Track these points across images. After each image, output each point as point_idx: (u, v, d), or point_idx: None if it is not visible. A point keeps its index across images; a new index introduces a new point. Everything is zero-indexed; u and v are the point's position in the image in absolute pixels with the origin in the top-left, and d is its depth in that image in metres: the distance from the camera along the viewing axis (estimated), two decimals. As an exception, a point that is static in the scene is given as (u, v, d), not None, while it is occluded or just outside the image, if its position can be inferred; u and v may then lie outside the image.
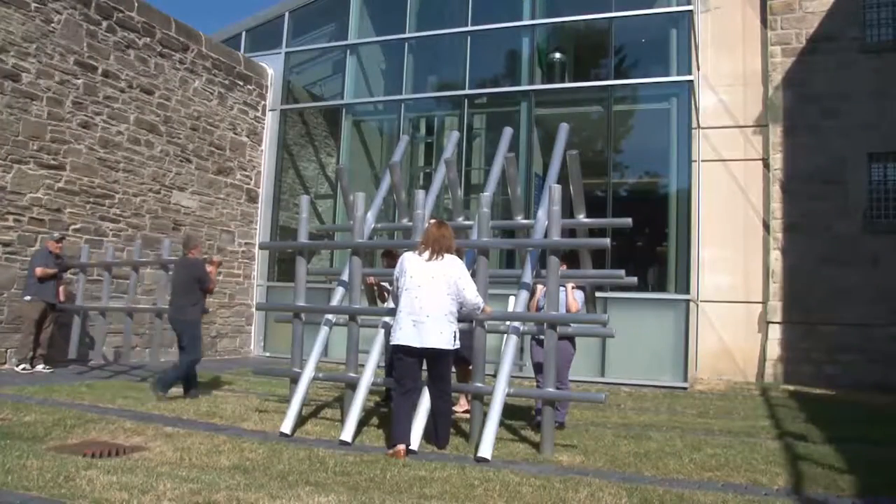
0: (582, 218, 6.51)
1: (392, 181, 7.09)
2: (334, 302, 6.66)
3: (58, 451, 4.80)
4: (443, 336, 5.10)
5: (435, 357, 5.19)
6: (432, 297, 5.12)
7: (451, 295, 5.18)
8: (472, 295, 5.33)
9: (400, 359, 5.26)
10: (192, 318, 7.57)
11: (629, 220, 6.15)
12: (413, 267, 5.24)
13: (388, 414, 6.93)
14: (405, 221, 7.34)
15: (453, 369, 5.75)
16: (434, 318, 5.09)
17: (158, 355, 9.42)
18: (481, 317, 5.59)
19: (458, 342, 5.23)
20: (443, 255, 5.24)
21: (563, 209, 5.79)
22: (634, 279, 6.56)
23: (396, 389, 5.31)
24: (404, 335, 5.13)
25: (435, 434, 5.34)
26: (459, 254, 5.64)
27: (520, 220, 7.10)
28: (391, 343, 5.34)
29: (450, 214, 7.68)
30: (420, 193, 6.30)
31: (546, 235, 5.86)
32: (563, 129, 6.89)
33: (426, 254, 5.25)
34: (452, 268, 5.23)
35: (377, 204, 7.33)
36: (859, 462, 5.10)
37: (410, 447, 5.10)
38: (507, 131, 7.26)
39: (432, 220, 5.60)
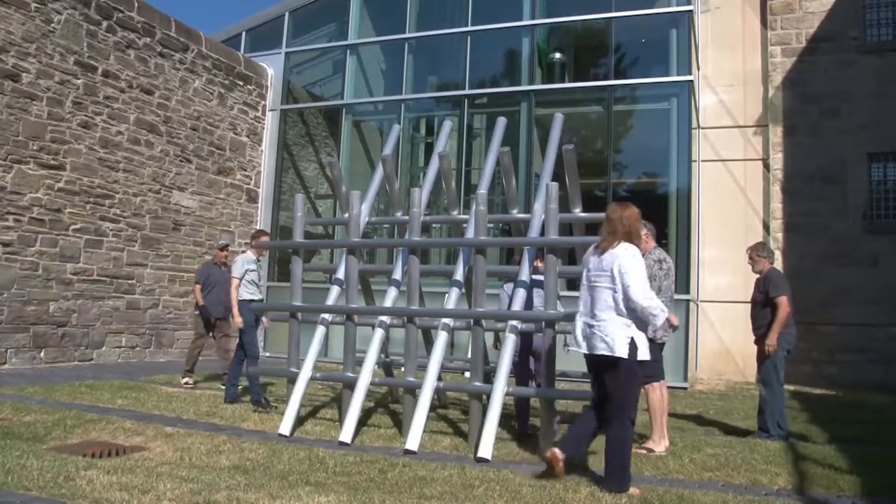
0: (578, 212, 6.49)
1: (385, 173, 7.08)
2: (330, 301, 6.64)
3: (58, 451, 4.79)
4: (609, 342, 4.23)
5: (603, 368, 4.34)
6: (598, 295, 4.33)
7: (618, 292, 4.27)
8: (638, 293, 4.19)
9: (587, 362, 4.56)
10: None
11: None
12: (590, 260, 4.51)
13: (390, 413, 6.94)
14: (398, 215, 7.35)
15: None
16: (600, 319, 4.30)
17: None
18: (659, 331, 4.57)
19: (641, 351, 4.29)
20: (618, 243, 4.35)
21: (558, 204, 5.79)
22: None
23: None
24: (574, 338, 4.48)
25: (605, 469, 4.29)
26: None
27: (515, 213, 7.11)
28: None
29: (446, 210, 7.68)
30: (416, 192, 6.31)
31: (543, 233, 5.86)
32: (558, 119, 6.87)
33: (603, 243, 4.45)
34: (620, 257, 4.28)
35: (370, 197, 7.33)
36: (860, 462, 5.09)
37: (562, 457, 4.33)
38: (501, 121, 7.24)
39: (613, 203, 4.67)
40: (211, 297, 8.79)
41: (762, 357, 6.27)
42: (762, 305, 6.30)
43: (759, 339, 6.29)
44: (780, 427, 6.12)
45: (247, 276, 7.45)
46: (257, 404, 6.95)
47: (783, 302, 6.11)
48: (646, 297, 4.20)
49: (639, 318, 4.28)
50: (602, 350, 4.26)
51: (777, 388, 6.20)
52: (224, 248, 9.22)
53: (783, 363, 6.26)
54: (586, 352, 4.38)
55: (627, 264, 4.24)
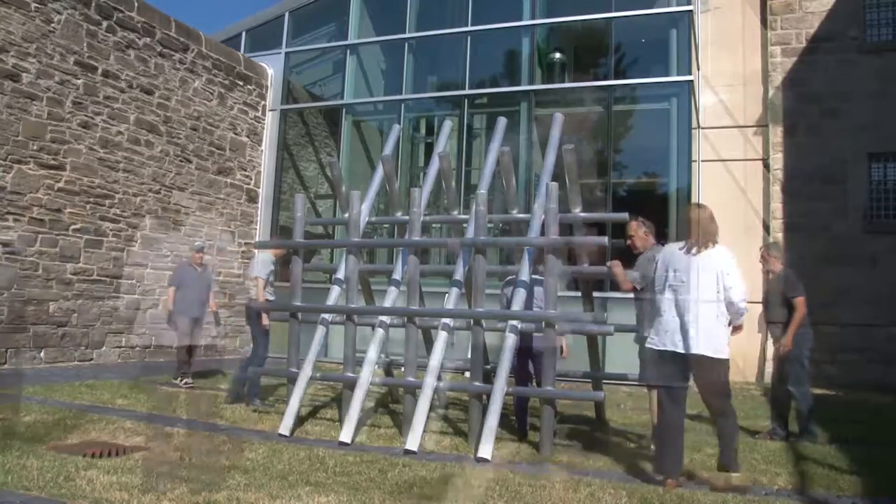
0: (578, 212, 6.49)
1: (385, 172, 7.08)
2: (330, 301, 6.64)
3: (58, 451, 4.79)
4: (713, 342, 4.39)
5: (703, 367, 4.44)
6: (695, 296, 4.42)
7: (719, 293, 4.43)
8: (739, 293, 4.43)
9: (665, 366, 4.59)
10: None
11: (626, 215, 6.16)
12: (678, 261, 4.55)
13: (390, 413, 6.94)
14: (398, 215, 7.35)
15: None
16: (702, 320, 4.40)
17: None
18: (737, 324, 4.61)
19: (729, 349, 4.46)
20: (712, 245, 4.52)
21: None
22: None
23: (667, 403, 4.63)
24: (668, 339, 4.49)
25: (721, 457, 4.61)
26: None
27: (515, 213, 7.11)
28: (650, 347, 4.63)
29: (446, 210, 7.68)
30: (416, 192, 6.31)
31: (543, 233, 5.86)
32: (558, 119, 6.87)
33: (690, 243, 4.53)
34: (719, 260, 4.48)
35: (370, 197, 7.33)
36: (860, 462, 5.10)
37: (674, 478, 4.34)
38: (501, 121, 7.24)
39: (692, 204, 4.76)
40: (188, 297, 8.83)
41: (784, 359, 6.32)
42: (779, 305, 6.36)
43: (777, 340, 6.35)
44: (810, 426, 6.25)
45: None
46: (241, 400, 7.05)
47: (801, 302, 6.22)
48: (744, 299, 4.46)
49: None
50: (705, 350, 4.38)
51: (807, 387, 6.31)
52: (200, 250, 9.26)
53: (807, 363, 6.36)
54: (682, 352, 4.45)
55: (731, 265, 4.49)
